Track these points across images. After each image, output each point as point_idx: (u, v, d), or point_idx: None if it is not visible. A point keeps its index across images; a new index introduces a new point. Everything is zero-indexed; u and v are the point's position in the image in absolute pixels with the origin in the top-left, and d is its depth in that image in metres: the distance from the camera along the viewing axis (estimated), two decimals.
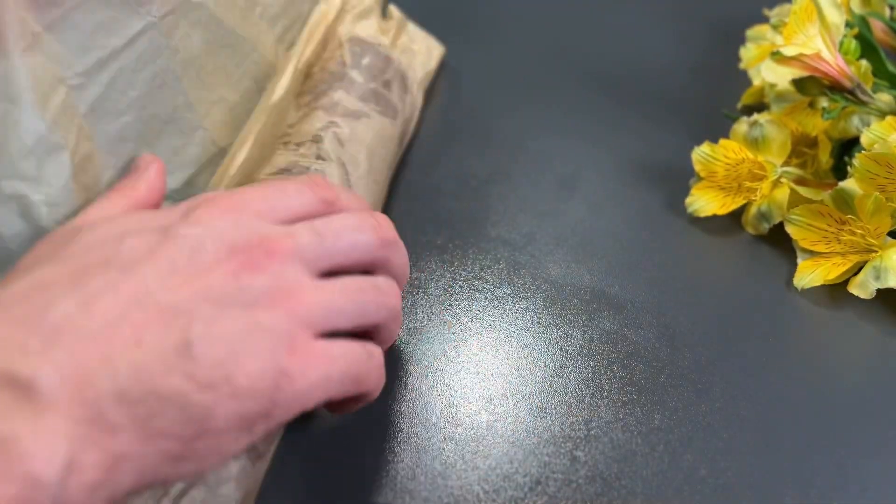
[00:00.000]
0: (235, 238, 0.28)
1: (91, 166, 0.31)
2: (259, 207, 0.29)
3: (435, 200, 0.44)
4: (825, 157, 0.42)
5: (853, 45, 0.41)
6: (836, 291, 0.39)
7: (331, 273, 0.30)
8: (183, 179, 0.36)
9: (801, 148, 0.43)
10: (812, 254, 0.40)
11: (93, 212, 0.30)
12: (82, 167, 0.31)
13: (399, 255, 0.33)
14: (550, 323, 0.38)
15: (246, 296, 0.27)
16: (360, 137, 0.40)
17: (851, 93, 0.40)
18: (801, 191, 0.40)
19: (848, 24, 0.42)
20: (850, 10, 0.45)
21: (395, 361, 0.37)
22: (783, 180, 0.41)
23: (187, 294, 0.26)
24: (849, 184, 0.38)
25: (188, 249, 0.27)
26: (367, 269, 0.31)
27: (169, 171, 0.35)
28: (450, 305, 0.39)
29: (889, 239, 0.38)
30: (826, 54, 0.39)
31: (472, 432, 0.34)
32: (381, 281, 0.31)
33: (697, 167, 0.43)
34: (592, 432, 0.34)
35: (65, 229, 0.29)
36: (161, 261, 0.26)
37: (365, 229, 0.31)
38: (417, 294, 0.40)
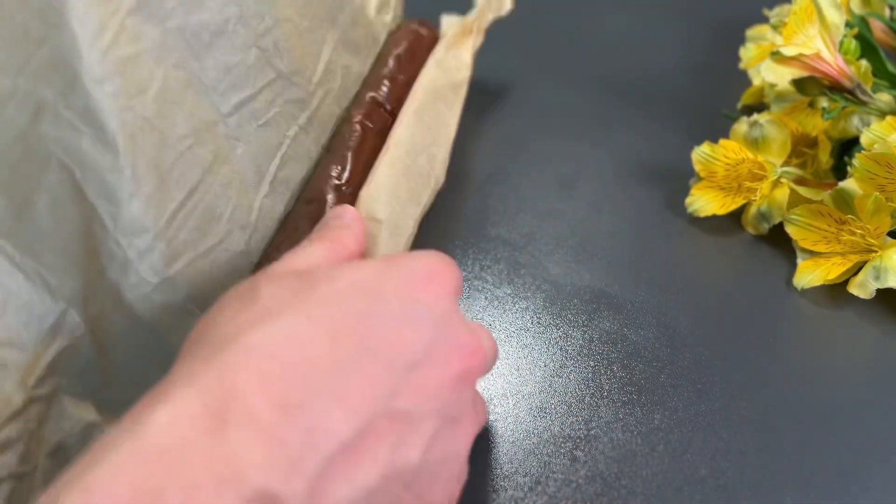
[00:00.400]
0: (464, 337, 0.27)
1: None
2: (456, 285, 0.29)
3: (435, 200, 0.43)
4: (825, 157, 0.42)
5: (853, 45, 0.41)
6: (836, 291, 0.39)
7: None
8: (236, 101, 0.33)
9: (801, 148, 0.43)
10: (812, 254, 0.40)
11: (307, 259, 0.29)
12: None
13: None
14: (550, 323, 0.38)
15: (455, 409, 0.26)
16: None
17: (851, 93, 0.40)
18: (801, 191, 0.40)
19: (848, 25, 0.42)
20: (849, 11, 0.45)
21: None
22: (783, 180, 0.41)
23: (423, 400, 0.25)
24: (849, 184, 0.38)
25: (432, 330, 0.26)
26: None
27: (220, 91, 0.32)
28: None
29: (889, 239, 0.38)
30: (826, 54, 0.39)
31: None
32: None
33: (697, 167, 0.43)
34: (592, 432, 0.34)
35: (287, 275, 0.27)
36: (437, 364, 0.26)
37: (491, 351, 0.30)
38: None
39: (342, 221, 0.32)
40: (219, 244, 0.32)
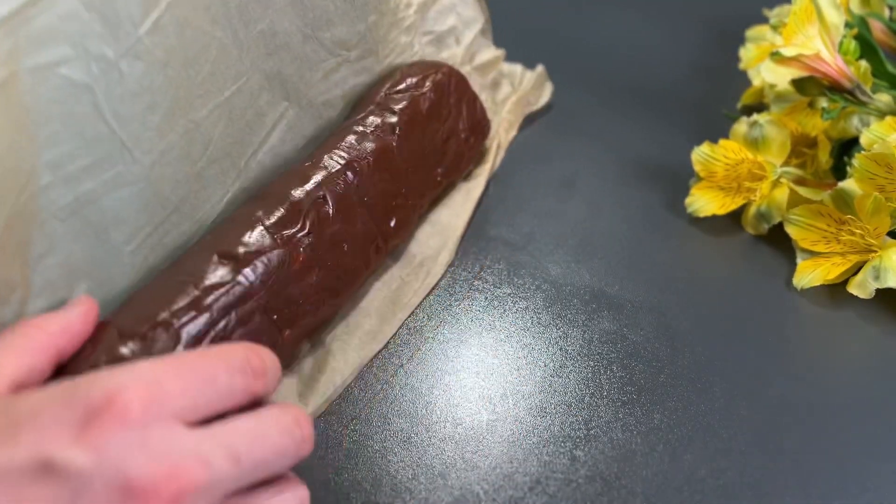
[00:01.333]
0: (137, 470, 0.23)
1: None
2: (177, 405, 0.25)
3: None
4: (825, 158, 0.42)
5: (853, 45, 0.41)
6: (836, 291, 0.39)
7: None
8: None
9: (801, 148, 0.43)
10: (811, 254, 0.40)
11: None
12: None
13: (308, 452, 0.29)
14: (550, 323, 0.38)
15: None
16: None
17: (851, 93, 0.40)
18: (801, 191, 0.40)
19: (847, 25, 0.42)
20: (849, 11, 0.45)
21: (395, 361, 0.37)
22: (783, 180, 0.41)
23: None
24: (848, 184, 0.38)
25: (69, 493, 0.22)
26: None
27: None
28: (450, 305, 0.39)
29: (888, 239, 0.38)
30: (825, 55, 0.39)
31: (472, 432, 0.34)
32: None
33: (697, 167, 0.43)
34: (592, 432, 0.34)
35: None
36: None
37: (285, 436, 0.27)
38: None
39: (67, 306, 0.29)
40: None
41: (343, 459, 0.33)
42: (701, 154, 0.42)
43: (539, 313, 0.39)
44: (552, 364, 0.37)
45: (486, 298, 0.40)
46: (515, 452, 0.34)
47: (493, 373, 0.36)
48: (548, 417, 0.35)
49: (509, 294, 0.40)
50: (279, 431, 0.27)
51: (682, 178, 0.44)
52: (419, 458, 0.33)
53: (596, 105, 0.50)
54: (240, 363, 0.27)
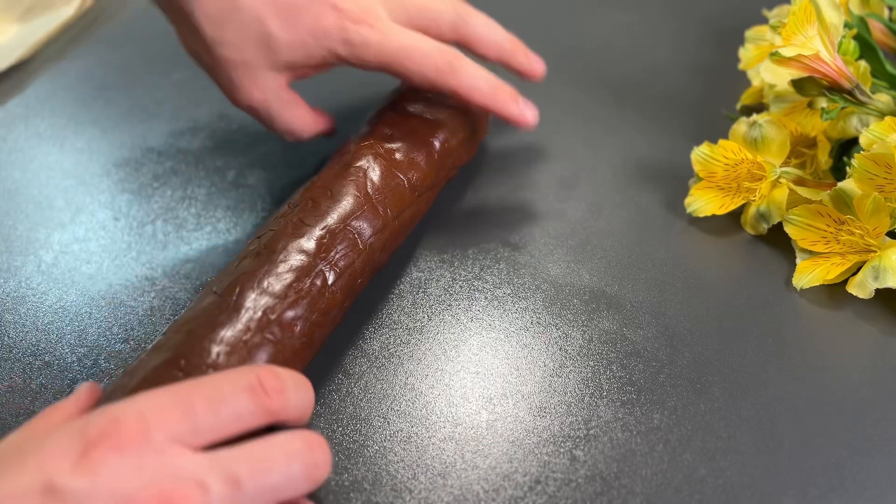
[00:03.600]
0: (132, 492, 0.24)
1: None
2: (177, 430, 0.26)
3: (435, 200, 0.44)
4: (824, 158, 0.42)
5: (852, 45, 0.41)
6: (835, 291, 0.39)
7: None
8: None
9: (801, 148, 0.43)
10: (811, 254, 0.40)
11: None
12: None
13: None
14: (550, 323, 0.38)
15: None
16: None
17: (850, 93, 0.40)
18: (800, 191, 0.40)
19: (847, 25, 0.42)
20: (848, 11, 0.45)
21: (395, 361, 0.37)
22: (782, 181, 0.41)
23: None
24: (848, 184, 0.38)
25: None
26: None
27: None
28: (450, 305, 0.39)
29: (888, 239, 0.38)
30: (825, 55, 0.39)
31: (472, 432, 0.34)
32: None
33: (697, 167, 0.43)
34: (592, 432, 0.34)
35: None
36: None
37: (294, 461, 0.27)
38: (417, 294, 0.40)
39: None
40: None
41: (343, 459, 0.33)
42: (700, 154, 0.42)
43: (539, 313, 0.39)
44: (552, 364, 0.37)
45: (486, 298, 0.40)
46: (515, 452, 0.34)
47: (492, 373, 0.36)
48: (548, 417, 0.35)
49: (509, 294, 0.40)
50: (286, 455, 0.27)
51: (681, 178, 0.44)
52: (419, 458, 0.33)
53: (596, 105, 0.50)
54: (248, 383, 0.27)
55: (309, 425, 0.34)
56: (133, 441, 0.25)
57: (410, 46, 0.39)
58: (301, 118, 0.41)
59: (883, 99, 0.41)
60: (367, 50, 0.38)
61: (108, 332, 0.38)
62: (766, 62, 0.43)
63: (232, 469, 0.26)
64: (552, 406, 0.35)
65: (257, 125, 0.42)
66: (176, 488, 0.24)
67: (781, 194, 0.40)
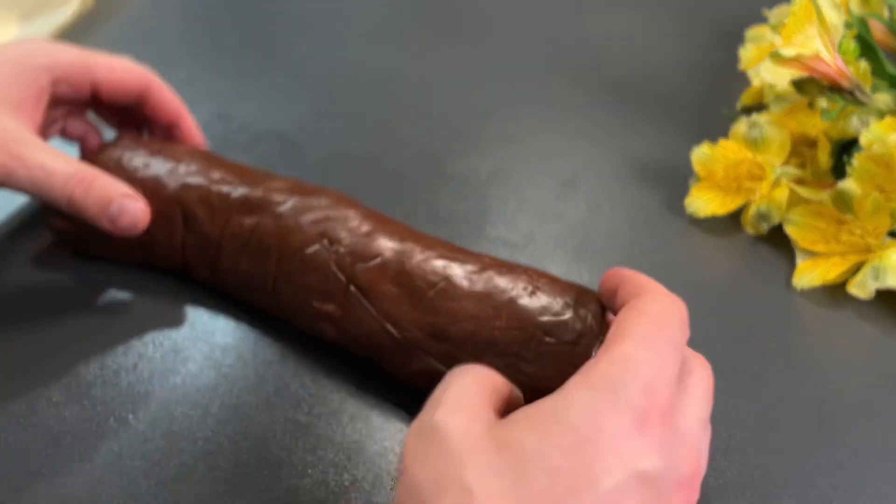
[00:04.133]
0: (683, 464, 0.25)
1: None
2: (671, 390, 0.26)
3: (435, 200, 0.44)
4: (824, 158, 0.42)
5: (852, 45, 0.41)
6: (836, 291, 0.39)
7: None
8: None
9: (801, 148, 0.43)
10: (811, 254, 0.40)
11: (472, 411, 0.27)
12: None
13: None
14: None
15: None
16: None
17: (850, 93, 0.40)
18: (801, 191, 0.40)
19: (847, 25, 0.42)
20: (848, 11, 0.45)
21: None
22: (782, 180, 0.41)
23: None
24: (848, 184, 0.38)
25: (653, 496, 0.24)
26: None
27: None
28: None
29: (888, 239, 0.38)
30: (825, 55, 0.39)
31: None
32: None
33: (697, 167, 0.43)
34: None
35: (489, 451, 0.25)
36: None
37: (709, 404, 0.28)
38: None
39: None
40: None
41: (343, 459, 0.33)
42: (701, 154, 0.42)
43: None
44: None
45: None
46: None
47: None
48: None
49: None
50: (707, 396, 0.28)
51: (681, 178, 0.44)
52: None
53: (596, 105, 0.50)
54: (681, 322, 0.30)
55: (309, 424, 0.34)
56: (669, 409, 0.26)
57: None
58: None
59: (883, 99, 0.40)
60: None
61: None
62: (766, 62, 0.43)
63: (701, 414, 0.27)
64: None
65: (257, 125, 0.42)
66: (701, 452, 0.26)
67: (781, 194, 0.40)
